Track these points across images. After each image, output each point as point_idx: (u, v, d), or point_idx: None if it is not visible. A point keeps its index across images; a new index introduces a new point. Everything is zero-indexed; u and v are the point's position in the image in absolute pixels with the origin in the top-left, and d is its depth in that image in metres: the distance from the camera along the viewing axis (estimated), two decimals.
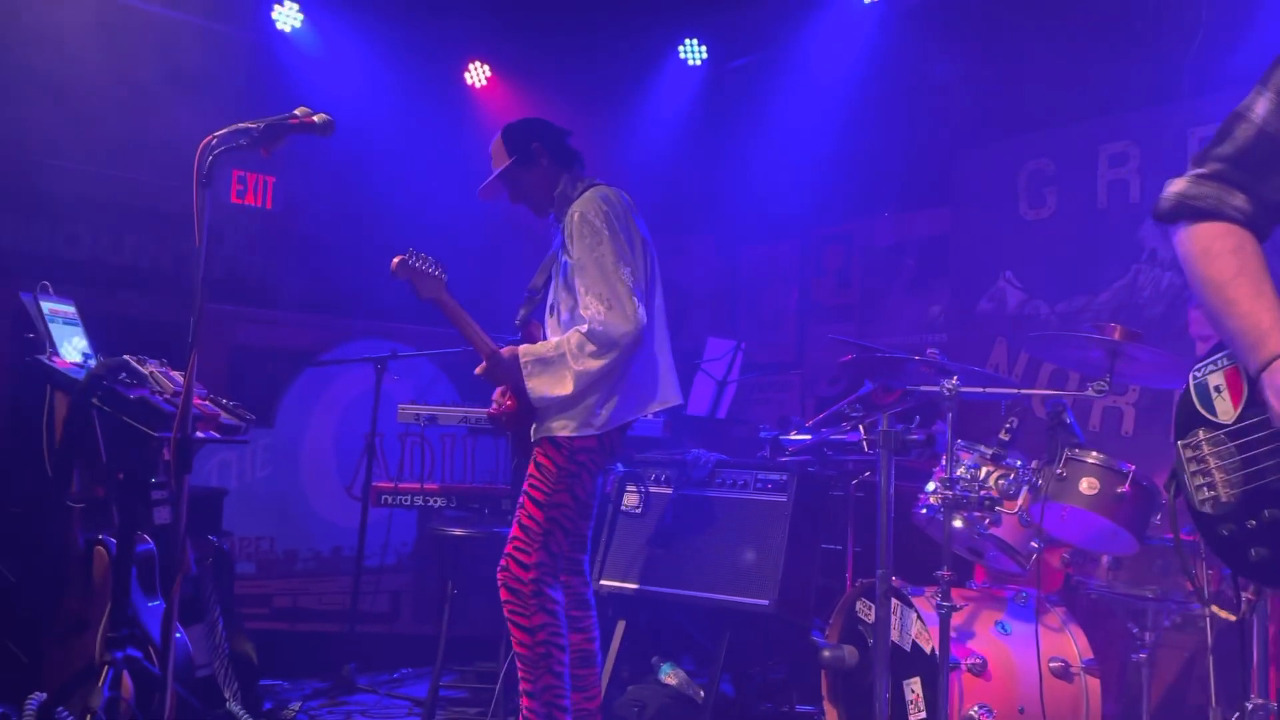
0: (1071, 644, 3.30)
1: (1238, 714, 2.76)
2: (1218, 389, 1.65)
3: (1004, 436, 3.19)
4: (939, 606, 2.95)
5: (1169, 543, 3.12)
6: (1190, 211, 1.66)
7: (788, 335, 6.46)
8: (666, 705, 3.59)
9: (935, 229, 5.72)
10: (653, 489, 3.89)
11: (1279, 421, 1.54)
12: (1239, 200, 1.64)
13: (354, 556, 5.04)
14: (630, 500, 3.92)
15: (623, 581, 3.83)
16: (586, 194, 3.15)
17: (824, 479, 3.74)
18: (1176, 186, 1.71)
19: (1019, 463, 3.21)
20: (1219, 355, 1.68)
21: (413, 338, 5.24)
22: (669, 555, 3.74)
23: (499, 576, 3.12)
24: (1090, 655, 3.29)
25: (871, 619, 3.45)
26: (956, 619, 3.17)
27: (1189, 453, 1.66)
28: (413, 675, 5.05)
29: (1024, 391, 2.99)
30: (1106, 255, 4.86)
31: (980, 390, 3.00)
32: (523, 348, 3.14)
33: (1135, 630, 3.29)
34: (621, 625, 3.80)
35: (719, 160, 6.51)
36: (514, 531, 3.12)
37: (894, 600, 3.35)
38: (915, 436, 3.03)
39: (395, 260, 3.10)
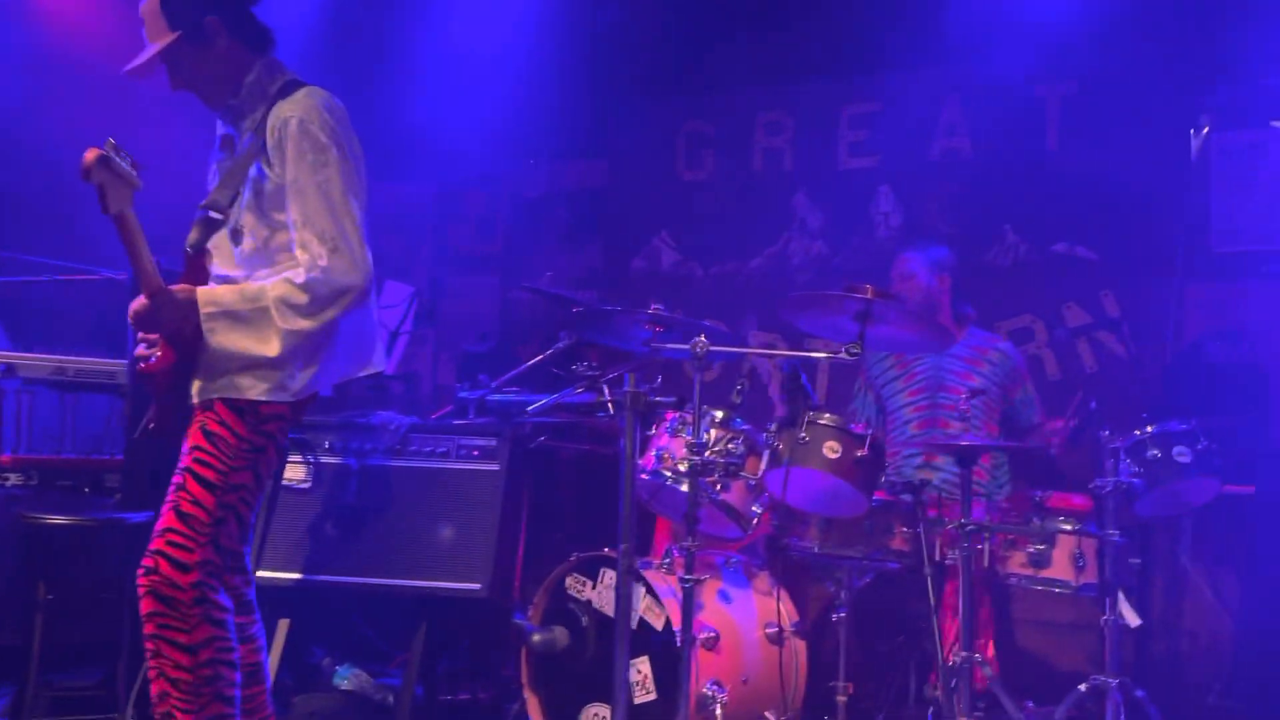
0: (781, 608, 3.30)
1: (954, 663, 2.91)
2: None
3: (735, 399, 3.06)
4: (682, 580, 2.75)
5: (878, 503, 3.21)
6: None
7: (419, 284, 5.93)
8: (347, 715, 3.03)
9: (590, 181, 5.55)
10: (324, 459, 3.26)
11: None
12: None
13: None
14: (294, 473, 3.25)
15: (284, 571, 3.18)
16: (300, 95, 2.47)
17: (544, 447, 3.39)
18: None
19: (746, 426, 3.12)
20: None
21: None
22: (349, 538, 3.16)
23: (143, 582, 2.37)
24: (797, 618, 3.32)
25: (586, 596, 3.19)
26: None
27: None
28: None
29: (772, 354, 2.88)
30: (760, 222, 5.02)
31: (731, 350, 2.84)
32: (203, 292, 2.40)
33: (833, 589, 3.37)
34: (285, 625, 3.15)
35: (345, 83, 5.73)
36: (169, 522, 2.38)
37: (608, 572, 3.12)
38: (663, 398, 2.79)
39: (92, 155, 2.19)
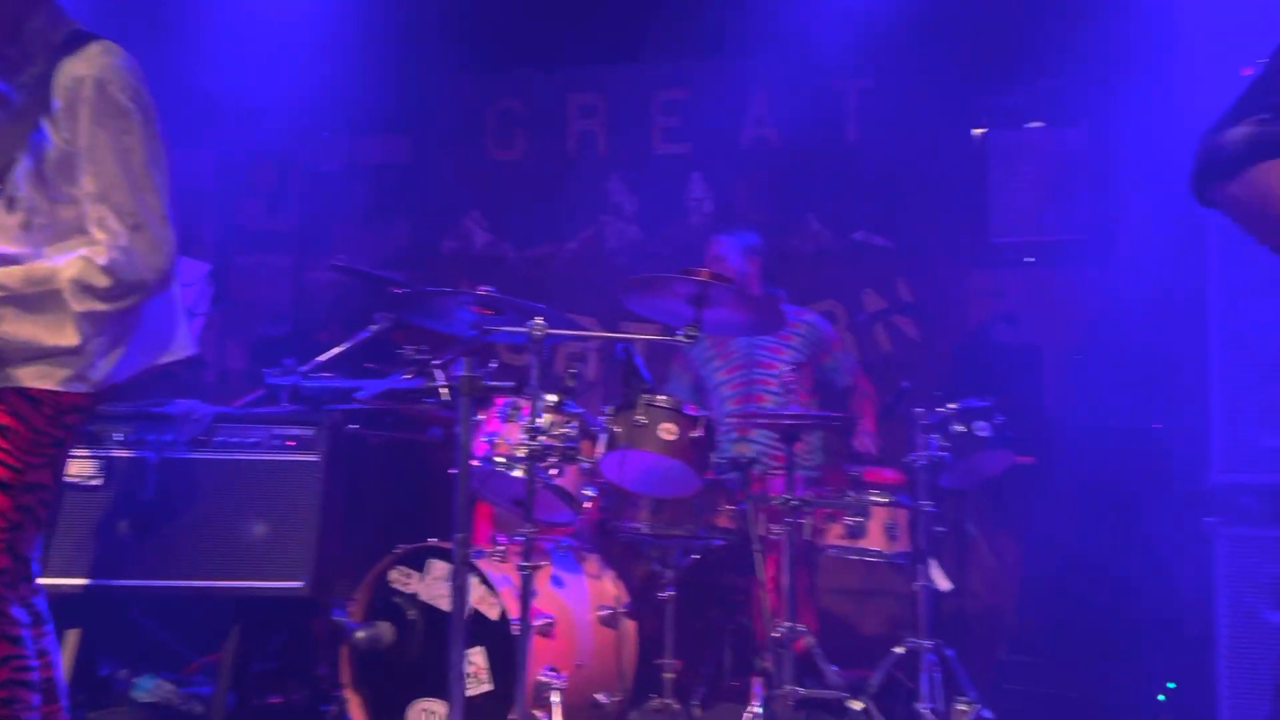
0: (612, 590, 3.31)
1: (778, 634, 3.01)
2: None
3: (569, 383, 3.04)
4: (521, 567, 2.70)
5: (705, 481, 3.27)
6: (1264, 150, 1.59)
7: (203, 263, 5.51)
8: None
9: (394, 157, 5.34)
10: (116, 452, 2.97)
11: None
12: None
13: None
14: (81, 469, 2.94)
15: (71, 577, 2.86)
16: (93, 51, 2.19)
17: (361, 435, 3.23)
18: (1240, 131, 1.62)
19: (579, 409, 3.10)
20: None
21: None
22: (147, 538, 2.89)
23: None
24: (627, 599, 3.34)
25: (411, 588, 3.07)
26: (516, 578, 2.96)
27: None
28: None
29: (611, 336, 2.87)
30: (574, 204, 4.99)
31: (568, 333, 2.80)
32: None
33: (659, 568, 3.41)
34: (75, 635, 2.84)
35: (123, 38, 5.22)
36: None
37: (436, 563, 3.03)
38: (502, 383, 2.71)
39: None
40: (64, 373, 2.16)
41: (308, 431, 3.02)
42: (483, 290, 2.98)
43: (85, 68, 2.18)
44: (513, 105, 5.12)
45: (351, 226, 5.35)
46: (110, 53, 2.23)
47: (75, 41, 2.23)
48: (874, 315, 4.44)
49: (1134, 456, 3.54)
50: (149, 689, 2.84)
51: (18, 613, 2.17)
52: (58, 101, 2.17)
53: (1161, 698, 3.35)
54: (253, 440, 2.99)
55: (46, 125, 2.18)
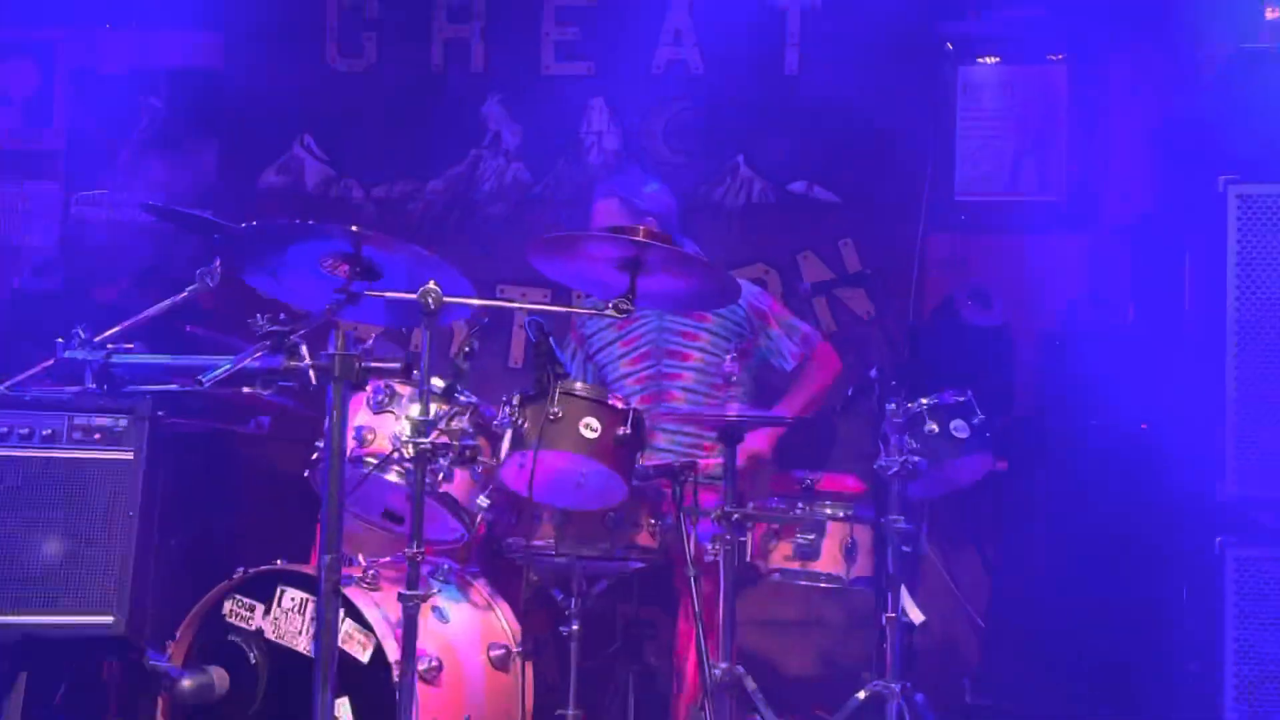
0: (503, 625, 3.37)
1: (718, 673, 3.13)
2: None
3: (462, 365, 3.06)
4: (403, 597, 2.72)
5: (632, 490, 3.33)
6: None
7: None
8: None
9: (199, 60, 5.19)
10: None
11: None
12: None
13: None
14: None
15: None
16: None
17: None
18: None
19: (474, 399, 3.13)
20: None
21: None
22: None
23: None
24: (522, 635, 3.39)
25: (254, 624, 3.07)
26: (393, 611, 2.98)
27: None
28: None
29: (520, 306, 2.91)
30: (440, 133, 4.98)
31: (468, 301, 2.82)
32: None
33: (561, 597, 3.47)
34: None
35: None
36: None
37: (289, 591, 3.03)
38: (386, 363, 2.71)
39: None
40: None
41: (118, 422, 2.94)
42: (355, 229, 2.96)
43: None
44: (361, 1, 5.05)
45: (140, 148, 5.19)
46: None
47: None
48: (816, 286, 4.58)
49: (1124, 463, 3.79)
50: None
51: None
52: None
53: None
54: (45, 431, 2.90)
55: None
